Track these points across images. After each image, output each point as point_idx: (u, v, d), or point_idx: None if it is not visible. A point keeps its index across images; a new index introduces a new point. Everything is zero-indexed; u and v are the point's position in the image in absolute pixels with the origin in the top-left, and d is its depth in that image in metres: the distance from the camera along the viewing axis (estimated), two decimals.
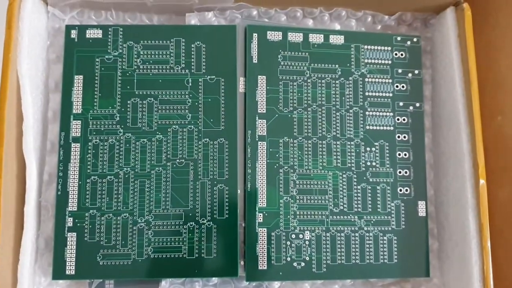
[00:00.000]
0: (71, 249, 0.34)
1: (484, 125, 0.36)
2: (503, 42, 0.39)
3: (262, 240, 0.36)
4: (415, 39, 0.40)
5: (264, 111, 0.37)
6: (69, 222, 0.35)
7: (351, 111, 0.38)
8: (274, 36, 0.38)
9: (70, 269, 0.34)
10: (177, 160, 0.36)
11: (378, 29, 0.41)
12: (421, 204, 0.38)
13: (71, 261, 0.34)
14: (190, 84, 0.37)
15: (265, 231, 0.36)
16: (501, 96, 0.39)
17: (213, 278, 0.36)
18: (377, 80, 0.39)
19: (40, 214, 0.36)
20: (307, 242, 0.36)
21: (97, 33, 0.37)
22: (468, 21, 0.37)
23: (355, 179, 0.37)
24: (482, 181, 0.35)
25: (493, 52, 0.39)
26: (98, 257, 0.34)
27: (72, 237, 0.34)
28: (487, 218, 0.35)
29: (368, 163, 0.38)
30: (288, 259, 0.36)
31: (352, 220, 0.37)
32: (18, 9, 0.34)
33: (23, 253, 0.33)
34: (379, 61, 0.39)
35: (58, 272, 0.34)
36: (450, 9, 0.39)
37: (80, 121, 0.36)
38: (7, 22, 0.33)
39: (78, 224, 0.35)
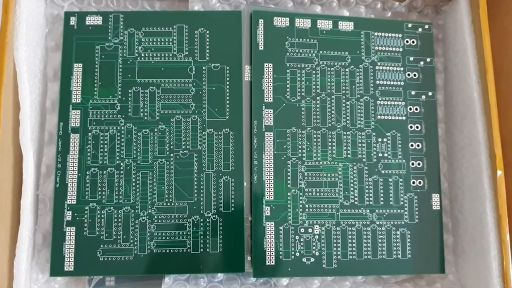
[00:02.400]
0: (70, 244, 0.33)
1: (499, 115, 0.35)
2: None
3: (270, 235, 0.34)
4: (426, 26, 0.38)
5: (271, 100, 0.35)
6: (68, 216, 0.33)
7: (361, 100, 0.36)
8: (281, 22, 0.36)
9: (69, 265, 0.33)
10: (181, 151, 0.34)
11: (388, 16, 0.39)
12: (435, 197, 0.36)
13: (70, 257, 0.33)
14: (194, 72, 0.35)
15: (273, 225, 0.34)
16: None
17: (219, 274, 0.34)
18: (388, 68, 0.37)
19: (37, 208, 0.34)
20: (316, 237, 0.34)
21: (97, 20, 0.35)
22: (483, 6, 0.36)
23: (366, 171, 0.36)
24: (500, 172, 0.34)
25: (508, 40, 0.38)
26: (98, 253, 0.33)
27: (71, 231, 0.33)
28: (505, 210, 0.33)
29: (380, 155, 0.36)
30: (297, 254, 0.34)
31: (364, 213, 0.35)
32: None
33: (20, 248, 0.32)
34: (390, 49, 0.37)
35: (57, 268, 0.32)
36: None
37: (79, 111, 0.34)
38: (3, 6, 0.32)
39: (77, 218, 0.33)
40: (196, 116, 0.35)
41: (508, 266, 0.33)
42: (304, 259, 0.34)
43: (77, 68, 0.35)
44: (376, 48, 0.37)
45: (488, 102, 0.34)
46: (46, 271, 0.33)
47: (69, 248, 0.33)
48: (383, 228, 0.35)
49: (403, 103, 0.37)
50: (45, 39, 0.36)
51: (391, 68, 0.37)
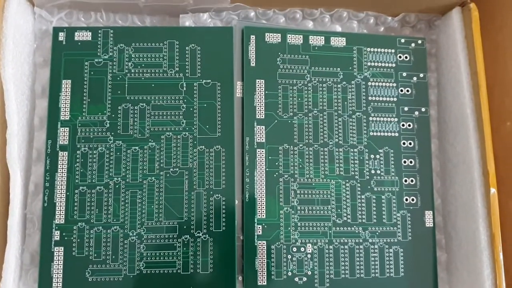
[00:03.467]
0: (58, 264, 0.32)
1: (493, 131, 0.35)
2: (511, 44, 0.37)
3: (262, 254, 0.34)
4: (419, 41, 0.38)
5: (263, 117, 0.35)
6: (56, 235, 0.32)
7: (354, 116, 0.36)
8: (272, 38, 0.36)
9: (57, 286, 0.32)
10: (171, 169, 0.34)
11: (380, 31, 0.39)
12: (428, 214, 0.36)
13: (58, 277, 0.32)
14: (185, 89, 0.35)
15: (265, 244, 0.34)
16: (509, 101, 0.37)
17: None
18: (380, 84, 0.37)
19: (25, 227, 0.34)
20: (309, 256, 0.34)
21: (86, 36, 0.35)
22: (476, 21, 0.36)
23: (359, 188, 0.35)
24: (493, 190, 0.33)
25: (501, 55, 0.38)
26: (87, 273, 0.32)
27: (59, 251, 0.32)
28: (499, 229, 0.33)
29: (373, 171, 0.36)
30: (289, 274, 0.34)
31: (357, 231, 0.35)
32: (1, 9, 0.32)
33: (6, 269, 0.31)
34: (383, 64, 0.37)
35: None
36: (456, 10, 0.37)
37: (68, 128, 0.34)
38: None
39: (66, 238, 0.32)
40: (187, 133, 0.34)
41: (501, 286, 0.32)
42: (296, 279, 0.34)
43: (66, 85, 0.34)
44: (369, 63, 0.37)
45: (481, 119, 0.34)
46: None
47: (57, 268, 0.32)
48: (376, 246, 0.35)
49: (396, 119, 0.37)
50: (33, 55, 0.36)
51: (384, 84, 0.37)
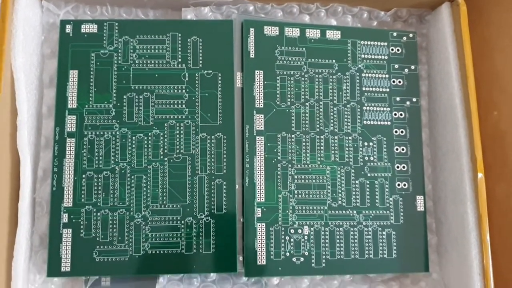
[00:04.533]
0: (67, 245, 0.34)
1: (480, 121, 0.36)
2: (498, 38, 0.39)
3: (261, 235, 0.35)
4: (411, 35, 0.40)
5: (262, 106, 0.37)
6: (65, 218, 0.34)
7: (348, 106, 0.38)
8: (271, 31, 0.38)
9: (66, 266, 0.33)
10: (174, 155, 0.35)
11: (374, 25, 0.41)
12: (419, 199, 0.38)
13: (66, 258, 0.33)
14: (187, 79, 0.36)
15: (264, 226, 0.35)
16: (496, 92, 0.39)
17: (212, 274, 0.36)
18: (374, 75, 0.39)
19: (34, 210, 0.35)
20: (306, 237, 0.36)
21: (92, 28, 0.36)
22: (464, 16, 0.37)
23: (353, 174, 0.37)
24: (480, 175, 0.35)
25: (487, 49, 0.40)
26: (94, 254, 0.34)
27: (67, 233, 0.34)
28: (486, 211, 0.35)
29: (366, 158, 0.37)
30: (287, 254, 0.35)
31: (351, 214, 0.36)
32: (12, 2, 0.33)
33: (17, 250, 0.32)
34: (376, 57, 0.39)
35: (54, 269, 0.33)
36: (445, 5, 0.39)
37: (75, 116, 0.35)
38: (1, 14, 0.33)
39: (74, 220, 0.34)
40: (189, 121, 0.36)
41: (488, 265, 0.34)
42: (294, 259, 0.35)
43: (73, 75, 0.36)
44: (363, 56, 0.39)
45: (470, 108, 0.36)
46: (43, 272, 0.34)
47: (66, 249, 0.34)
48: (370, 229, 0.37)
49: (388, 109, 0.38)
50: (41, 47, 0.37)
51: (377, 75, 0.39)
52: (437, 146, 0.39)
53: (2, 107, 0.32)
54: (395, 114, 0.38)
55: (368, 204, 0.37)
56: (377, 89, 0.38)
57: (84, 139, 0.35)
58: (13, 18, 0.33)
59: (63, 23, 0.36)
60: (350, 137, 0.37)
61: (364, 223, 0.37)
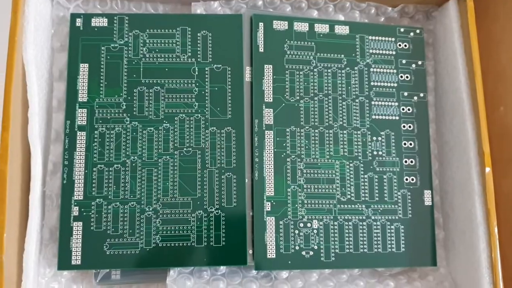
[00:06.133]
0: (77, 238, 0.34)
1: (486, 116, 0.37)
2: (504, 34, 0.39)
3: (270, 229, 0.35)
4: (418, 31, 0.40)
5: (271, 100, 0.37)
6: (75, 211, 0.34)
7: (357, 100, 0.38)
8: (280, 25, 0.38)
9: (76, 259, 0.33)
10: (185, 149, 0.35)
11: (381, 21, 0.41)
12: (427, 193, 0.38)
13: (77, 251, 0.33)
14: (197, 73, 0.36)
15: (273, 220, 0.35)
16: (502, 88, 0.39)
17: (221, 268, 0.36)
18: (382, 70, 0.39)
19: (44, 203, 0.35)
20: (315, 231, 0.36)
21: (102, 22, 0.36)
22: (471, 11, 0.38)
23: (362, 168, 0.37)
24: (488, 169, 0.35)
25: (493, 45, 0.40)
26: (105, 247, 0.34)
27: (78, 226, 0.34)
28: (493, 205, 0.35)
29: (375, 153, 0.38)
30: (297, 248, 0.35)
31: (360, 209, 0.37)
32: None
33: (28, 242, 0.33)
34: (384, 52, 0.39)
35: (64, 262, 0.33)
36: (452, 1, 0.39)
37: (85, 110, 0.35)
38: (13, 6, 0.33)
39: (84, 213, 0.34)
40: (199, 115, 0.36)
41: (496, 258, 0.34)
42: (303, 252, 0.35)
43: (83, 68, 0.36)
44: (371, 51, 0.39)
45: (477, 102, 0.36)
46: (53, 265, 0.34)
47: (76, 242, 0.34)
48: (378, 223, 0.37)
49: (396, 103, 0.39)
50: (51, 40, 0.37)
51: (385, 70, 0.39)
52: (444, 141, 0.40)
53: (14, 99, 0.32)
54: (403, 109, 0.39)
55: (377, 199, 0.37)
56: (385, 84, 0.39)
57: (95, 132, 0.35)
58: (25, 10, 0.33)
59: (74, 16, 0.36)
60: (358, 132, 0.38)
61: (372, 217, 0.37)
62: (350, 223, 0.36)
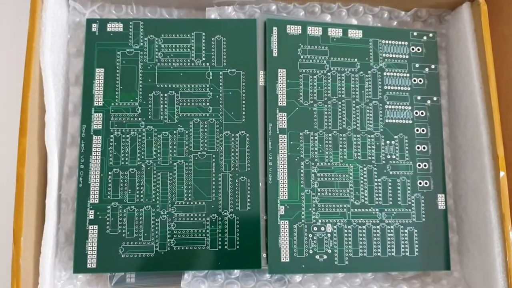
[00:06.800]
0: (93, 242, 0.34)
1: (501, 118, 0.36)
2: None
3: (284, 233, 0.35)
4: (431, 35, 0.40)
5: (285, 104, 0.37)
6: (91, 214, 0.34)
7: (370, 104, 0.38)
8: (293, 30, 0.38)
9: (92, 262, 0.34)
10: (199, 153, 0.36)
11: (394, 25, 0.41)
12: (441, 197, 0.38)
13: (92, 254, 0.34)
14: (211, 77, 0.37)
15: (287, 223, 0.36)
16: None
17: (235, 271, 0.36)
18: (395, 74, 0.39)
19: (60, 207, 0.35)
20: (329, 235, 0.36)
21: (118, 27, 0.37)
22: (485, 15, 0.38)
23: (375, 172, 0.37)
24: (503, 173, 0.35)
25: (507, 47, 0.40)
26: (120, 250, 0.34)
27: (93, 229, 0.34)
28: (508, 209, 0.35)
29: (388, 156, 0.38)
30: (311, 251, 0.35)
31: (373, 213, 0.37)
32: (41, 0, 0.34)
33: (45, 245, 0.33)
34: (397, 56, 0.39)
35: (80, 265, 0.34)
36: (465, 5, 0.39)
37: (101, 114, 0.36)
38: (31, 12, 0.33)
39: (100, 217, 0.34)
40: (213, 119, 0.36)
41: (511, 262, 0.34)
42: (317, 256, 0.35)
43: (99, 73, 0.36)
44: (384, 55, 0.39)
45: (491, 106, 0.36)
46: (69, 268, 0.34)
47: (92, 246, 0.34)
48: (392, 227, 0.37)
49: (410, 107, 0.39)
50: (67, 45, 0.37)
51: (398, 74, 0.39)
52: (457, 144, 0.39)
53: (32, 104, 0.32)
54: (416, 113, 0.39)
55: (390, 202, 0.37)
56: (399, 88, 0.39)
57: (110, 136, 0.35)
58: (42, 16, 0.34)
59: (89, 22, 0.37)
60: (372, 136, 0.38)
61: (386, 221, 0.37)
62: (363, 227, 0.36)
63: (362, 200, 0.37)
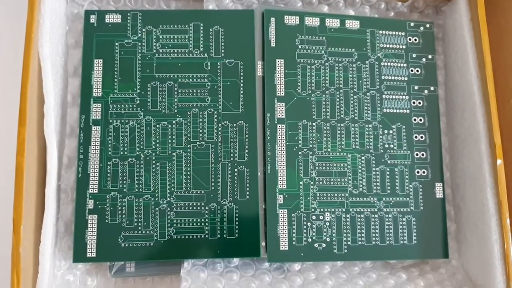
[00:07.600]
0: (92, 231, 0.34)
1: (498, 106, 0.37)
2: None
3: (283, 221, 0.36)
4: (427, 25, 0.40)
5: (283, 94, 0.37)
6: (90, 204, 0.34)
7: (368, 94, 0.38)
8: (291, 20, 0.38)
9: (91, 252, 0.34)
10: (198, 143, 0.36)
11: (391, 16, 0.41)
12: (438, 186, 0.38)
13: (92, 244, 0.34)
14: (209, 68, 0.37)
15: (286, 212, 0.36)
16: None
17: (235, 260, 0.36)
18: (392, 64, 0.39)
19: (59, 197, 0.35)
20: (327, 224, 0.36)
21: (116, 18, 0.37)
22: (481, 5, 0.38)
23: (373, 161, 0.37)
24: (500, 161, 0.36)
25: (503, 38, 0.40)
26: (119, 239, 0.34)
27: (93, 219, 0.34)
28: (505, 197, 0.35)
29: (386, 146, 0.38)
30: (309, 240, 0.36)
31: (372, 201, 0.37)
32: None
33: (45, 235, 0.33)
34: (394, 46, 0.39)
35: (79, 255, 0.34)
36: None
37: (100, 104, 0.36)
38: (29, 3, 0.33)
39: (99, 206, 0.34)
40: (212, 109, 0.36)
41: (509, 249, 0.34)
42: (316, 245, 0.36)
43: (98, 64, 0.36)
44: (381, 45, 0.39)
45: (488, 95, 0.36)
46: (69, 258, 0.35)
47: (91, 235, 0.34)
48: (390, 215, 0.37)
49: (407, 97, 0.39)
50: (66, 37, 0.38)
51: (395, 64, 0.39)
52: (454, 134, 0.40)
53: (31, 94, 0.33)
54: (414, 103, 0.39)
55: (389, 191, 0.37)
56: (396, 78, 0.39)
57: (109, 126, 0.35)
58: (41, 8, 0.34)
59: (88, 13, 0.37)
60: (370, 125, 0.38)
61: (384, 210, 0.37)
62: (362, 215, 0.37)
63: (361, 189, 0.37)
